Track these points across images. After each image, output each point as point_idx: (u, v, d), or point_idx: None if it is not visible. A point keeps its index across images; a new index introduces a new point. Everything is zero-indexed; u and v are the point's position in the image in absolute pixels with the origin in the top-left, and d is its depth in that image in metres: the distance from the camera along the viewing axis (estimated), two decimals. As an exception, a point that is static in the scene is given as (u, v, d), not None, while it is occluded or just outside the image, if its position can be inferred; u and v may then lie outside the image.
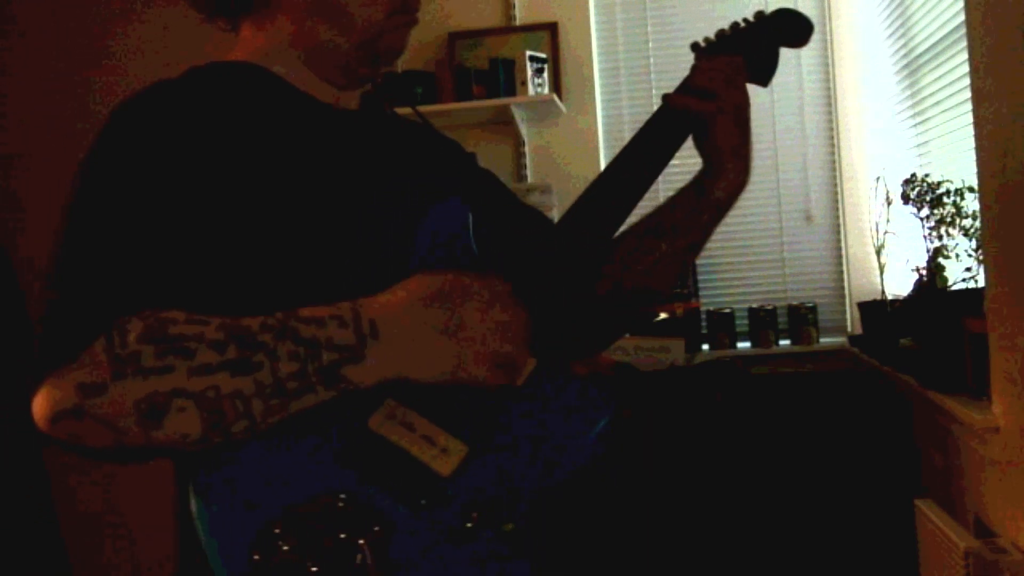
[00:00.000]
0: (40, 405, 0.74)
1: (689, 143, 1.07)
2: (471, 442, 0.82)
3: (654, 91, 3.42)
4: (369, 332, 0.77)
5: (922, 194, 2.41)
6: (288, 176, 0.88)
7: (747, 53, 1.11)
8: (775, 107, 3.37)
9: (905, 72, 2.88)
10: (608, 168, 1.00)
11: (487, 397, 0.84)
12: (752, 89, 1.10)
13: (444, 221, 0.93)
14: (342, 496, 0.77)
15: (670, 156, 1.02)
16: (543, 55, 3.31)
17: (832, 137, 3.40)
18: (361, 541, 0.75)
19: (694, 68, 1.08)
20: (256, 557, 0.72)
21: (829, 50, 3.39)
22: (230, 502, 0.74)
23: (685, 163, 1.09)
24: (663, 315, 3.24)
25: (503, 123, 3.36)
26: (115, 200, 0.81)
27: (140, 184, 0.81)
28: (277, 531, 0.73)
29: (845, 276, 3.39)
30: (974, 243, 2.25)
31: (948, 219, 2.34)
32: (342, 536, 0.74)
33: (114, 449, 0.75)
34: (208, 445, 0.75)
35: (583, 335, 1.11)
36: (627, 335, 2.90)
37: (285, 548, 0.73)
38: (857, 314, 3.12)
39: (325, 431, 0.79)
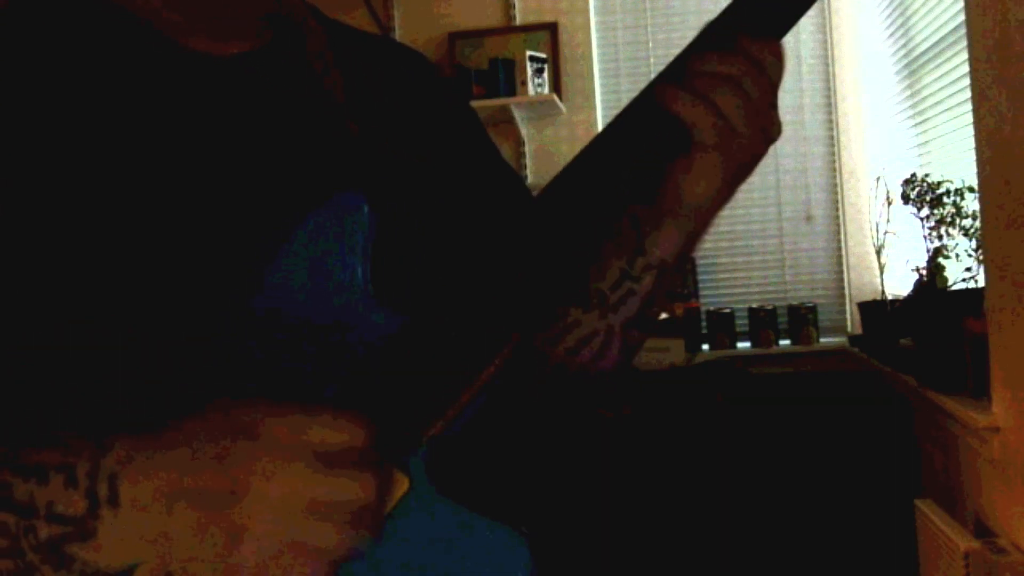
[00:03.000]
0: None
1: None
2: None
3: (654, 91, 3.43)
4: (106, 496, 0.52)
5: (922, 194, 2.41)
6: (86, 172, 0.62)
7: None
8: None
9: (905, 72, 2.88)
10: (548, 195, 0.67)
11: None
12: None
13: (320, 237, 0.61)
14: None
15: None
16: (543, 55, 3.32)
17: (832, 137, 3.40)
18: None
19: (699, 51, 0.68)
20: None
21: (829, 50, 3.39)
22: None
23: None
24: (663, 315, 3.24)
25: (503, 123, 3.36)
26: None
27: None
28: None
29: (845, 276, 3.39)
30: (974, 243, 2.25)
31: (948, 219, 2.34)
32: None
33: None
34: None
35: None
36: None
37: None
38: (857, 314, 3.13)
39: None
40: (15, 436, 0.55)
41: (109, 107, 0.64)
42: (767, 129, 0.67)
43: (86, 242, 0.60)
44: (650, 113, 0.66)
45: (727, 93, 0.65)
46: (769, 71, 0.66)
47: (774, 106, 0.67)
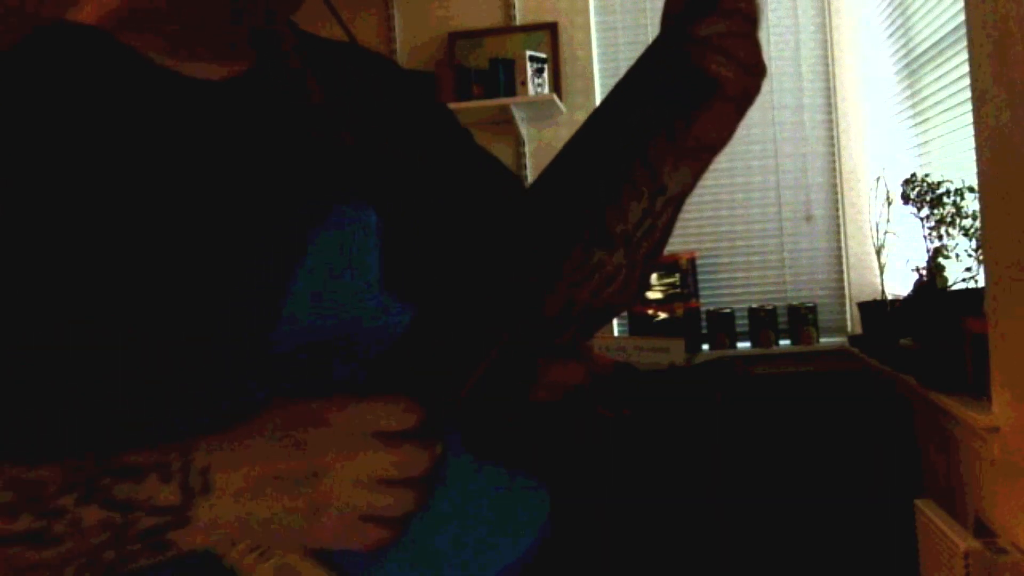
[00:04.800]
0: None
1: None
2: (344, 572, 0.64)
3: (654, 91, 3.43)
4: (200, 487, 0.60)
5: (922, 194, 2.41)
6: (102, 202, 0.64)
7: None
8: (775, 107, 3.37)
9: (905, 72, 2.88)
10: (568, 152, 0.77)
11: None
12: None
13: (333, 249, 0.67)
14: None
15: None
16: (543, 55, 3.31)
17: (832, 137, 3.40)
18: None
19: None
20: None
21: (829, 50, 3.39)
22: None
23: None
24: (663, 315, 3.24)
25: (503, 123, 3.36)
26: None
27: None
28: None
29: (845, 276, 3.39)
30: (974, 243, 2.25)
31: (948, 219, 2.34)
32: None
33: None
34: None
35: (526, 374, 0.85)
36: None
37: None
38: (857, 314, 3.13)
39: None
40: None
41: (114, 140, 0.66)
42: (761, 70, 0.75)
43: (96, 269, 0.62)
44: (682, 72, 0.74)
45: (742, 48, 0.72)
46: (758, 21, 0.75)
47: (760, 48, 0.76)
